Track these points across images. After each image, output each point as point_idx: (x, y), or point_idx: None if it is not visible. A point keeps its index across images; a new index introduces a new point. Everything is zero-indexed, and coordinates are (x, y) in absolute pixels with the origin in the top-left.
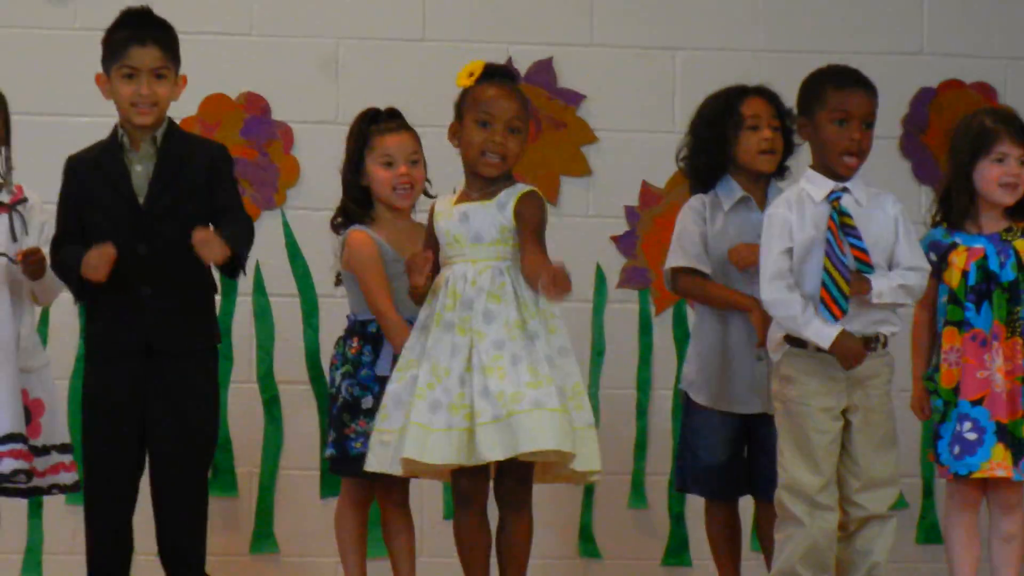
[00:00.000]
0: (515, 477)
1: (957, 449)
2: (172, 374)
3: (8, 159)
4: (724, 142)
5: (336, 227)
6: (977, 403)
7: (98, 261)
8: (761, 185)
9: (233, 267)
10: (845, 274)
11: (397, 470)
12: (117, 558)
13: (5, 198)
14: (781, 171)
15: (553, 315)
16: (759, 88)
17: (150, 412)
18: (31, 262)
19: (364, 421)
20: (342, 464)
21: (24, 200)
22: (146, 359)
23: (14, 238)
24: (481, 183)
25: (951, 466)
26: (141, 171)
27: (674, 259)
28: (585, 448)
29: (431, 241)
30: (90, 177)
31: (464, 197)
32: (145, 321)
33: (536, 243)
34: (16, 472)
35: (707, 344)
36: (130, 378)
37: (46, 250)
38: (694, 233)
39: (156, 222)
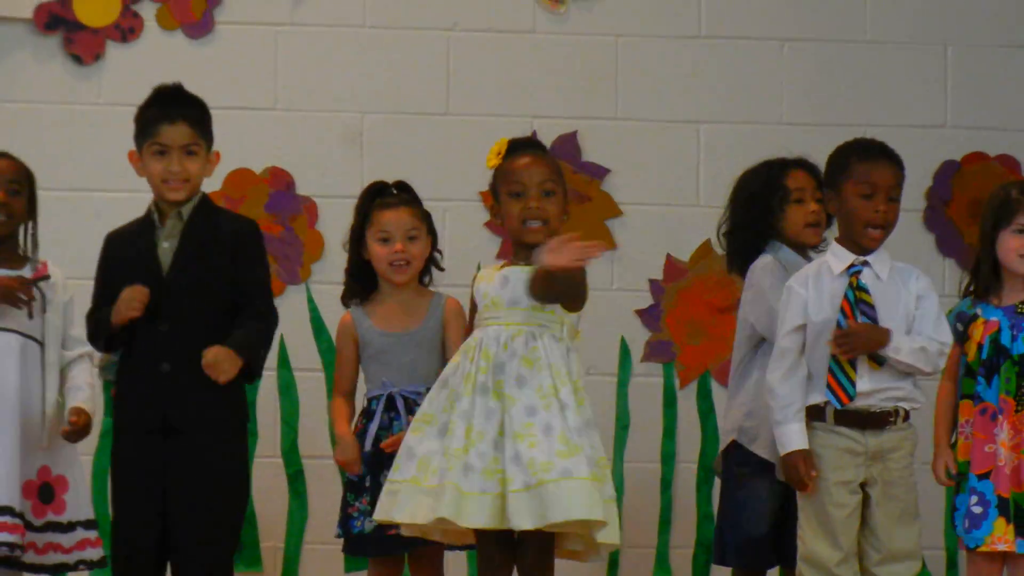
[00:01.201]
0: (538, 547)
1: (967, 523)
2: (192, 452)
3: (35, 235)
4: (769, 215)
5: (345, 302)
6: (984, 476)
7: (131, 295)
8: (806, 258)
9: (248, 374)
10: (852, 360)
11: (397, 518)
12: None
13: (28, 274)
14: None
15: (581, 387)
16: (800, 160)
17: (170, 491)
18: (77, 425)
19: (367, 499)
20: (348, 544)
21: (46, 277)
22: (165, 436)
23: (30, 316)
24: (528, 252)
25: (964, 539)
26: (168, 247)
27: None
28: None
29: (471, 313)
30: (121, 252)
31: (509, 264)
32: (163, 397)
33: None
34: (1, 544)
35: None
36: (149, 455)
37: (76, 326)
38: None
39: (179, 298)
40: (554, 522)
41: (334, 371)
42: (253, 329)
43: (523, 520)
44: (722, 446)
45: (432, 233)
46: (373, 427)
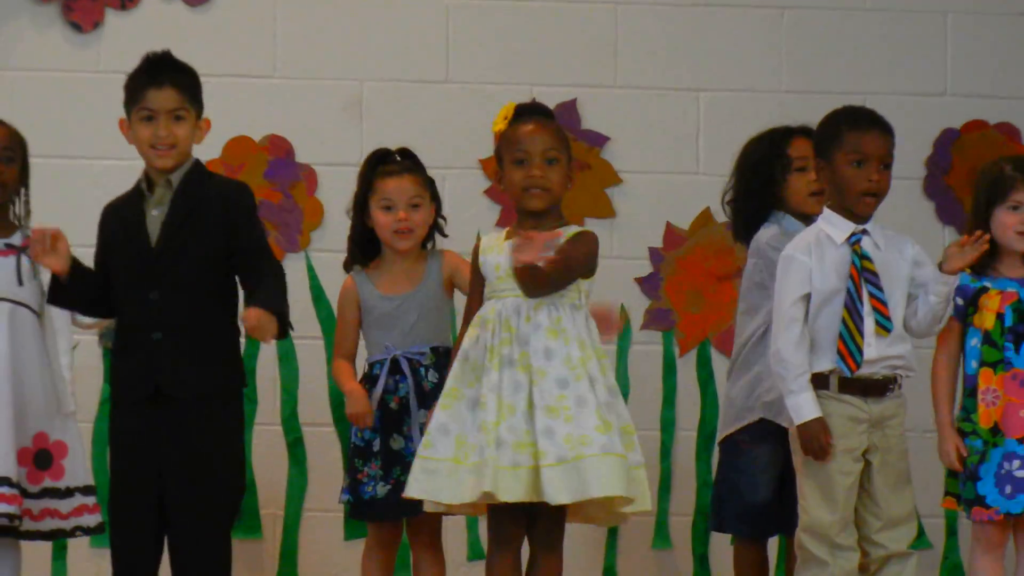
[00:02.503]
0: (553, 518)
1: (1009, 488)
2: (185, 420)
3: (27, 202)
4: (772, 185)
5: (347, 268)
6: (1023, 441)
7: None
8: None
9: (283, 330)
10: (862, 328)
11: (440, 497)
12: None
13: (17, 241)
14: None
15: (604, 355)
16: (803, 128)
17: (165, 459)
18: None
19: (375, 464)
20: (358, 509)
21: None
22: (158, 404)
23: (20, 282)
24: (533, 220)
25: (1002, 506)
26: (156, 215)
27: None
28: (637, 488)
29: (477, 279)
30: (112, 223)
31: (515, 234)
32: (155, 365)
33: (563, 250)
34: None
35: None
36: (143, 423)
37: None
38: None
39: (169, 265)
40: (592, 497)
41: (335, 335)
42: (272, 285)
43: (560, 494)
44: (741, 423)
45: (436, 200)
46: (378, 391)
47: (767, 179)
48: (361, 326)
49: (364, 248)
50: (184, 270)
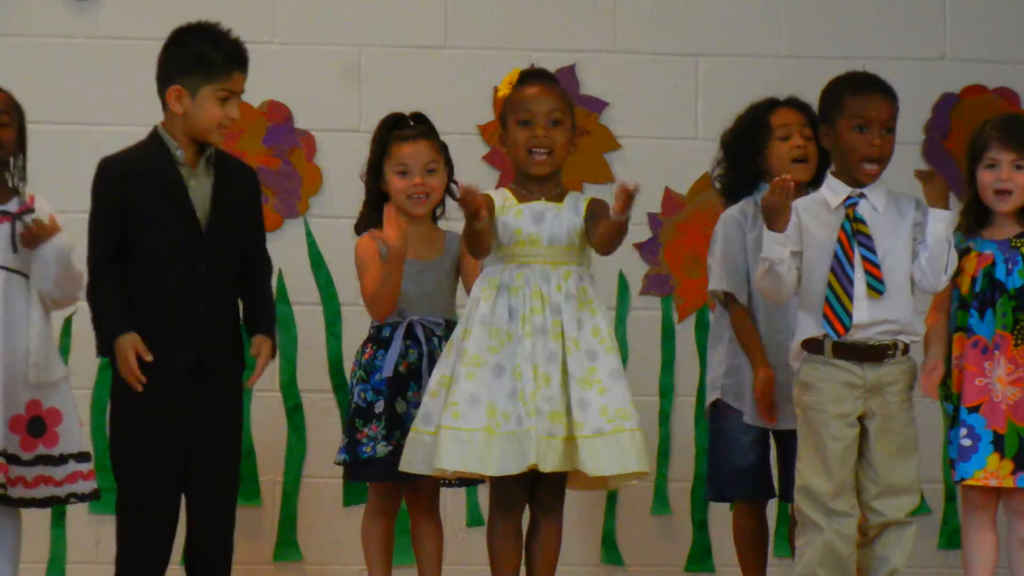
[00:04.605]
0: (554, 484)
1: (956, 455)
2: (218, 392)
3: (23, 168)
4: (756, 154)
5: (359, 231)
6: (974, 410)
7: (131, 376)
8: (800, 193)
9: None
10: (849, 290)
11: (477, 468)
12: (152, 574)
13: (13, 208)
14: (819, 179)
15: (612, 332)
16: (789, 99)
17: (195, 428)
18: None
19: (376, 426)
20: (354, 470)
21: (31, 211)
22: (196, 376)
23: (14, 248)
24: (536, 184)
25: (954, 472)
26: (196, 186)
27: (715, 281)
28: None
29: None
30: (141, 186)
31: (524, 198)
32: (199, 337)
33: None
34: None
35: (735, 354)
36: (179, 393)
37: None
38: (735, 251)
39: (217, 238)
40: (633, 471)
41: (362, 283)
42: (271, 299)
43: (601, 466)
44: (715, 394)
45: (449, 165)
46: (393, 353)
47: (748, 149)
48: None
49: (379, 212)
50: (228, 244)
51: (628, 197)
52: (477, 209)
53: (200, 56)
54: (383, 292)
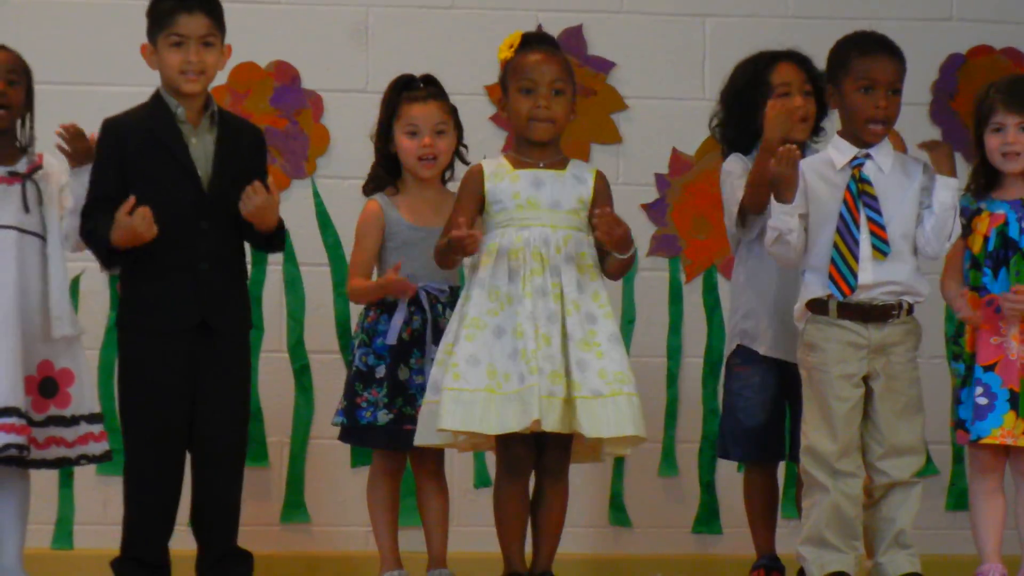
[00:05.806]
0: (561, 446)
1: (970, 414)
2: (223, 351)
3: (31, 128)
4: (755, 111)
5: (367, 192)
6: (990, 368)
7: (141, 221)
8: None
9: (281, 238)
10: (855, 251)
11: (478, 428)
12: (158, 536)
13: (23, 168)
14: (816, 132)
15: (609, 300)
16: (789, 53)
17: (200, 389)
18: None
19: (376, 391)
20: (351, 433)
21: (39, 168)
22: (199, 334)
23: (27, 209)
24: (536, 151)
25: (971, 431)
26: (198, 144)
27: (731, 224)
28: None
29: (471, 203)
30: (142, 145)
31: (522, 164)
32: (202, 297)
33: (621, 223)
34: (8, 446)
35: (760, 296)
36: (184, 353)
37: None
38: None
39: (219, 196)
40: (627, 435)
41: (352, 255)
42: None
43: (598, 428)
44: (731, 348)
45: (458, 127)
46: (397, 322)
47: (748, 105)
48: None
49: (389, 173)
50: (227, 202)
51: (608, 222)
52: (467, 252)
53: (152, 9)
54: (362, 297)
